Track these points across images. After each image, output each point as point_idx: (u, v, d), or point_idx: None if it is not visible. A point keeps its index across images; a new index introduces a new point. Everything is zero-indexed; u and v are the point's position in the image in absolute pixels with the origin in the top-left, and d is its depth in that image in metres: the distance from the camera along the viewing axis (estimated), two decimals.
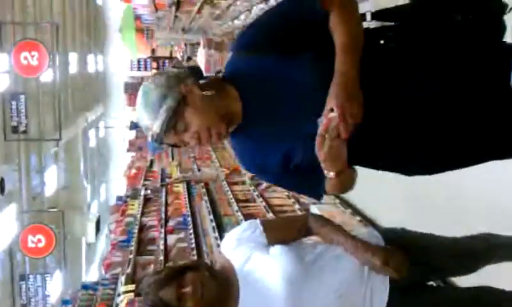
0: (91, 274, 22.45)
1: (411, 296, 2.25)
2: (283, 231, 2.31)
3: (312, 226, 2.33)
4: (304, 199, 7.01)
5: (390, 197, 5.30)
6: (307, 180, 1.95)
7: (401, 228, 2.42)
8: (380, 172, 2.00)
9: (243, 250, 2.23)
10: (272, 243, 2.23)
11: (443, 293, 2.48)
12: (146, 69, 27.33)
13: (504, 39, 1.96)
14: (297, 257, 2.17)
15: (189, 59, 20.16)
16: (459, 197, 4.28)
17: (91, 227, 18.59)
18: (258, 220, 2.32)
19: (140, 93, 1.88)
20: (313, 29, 1.84)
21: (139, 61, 27.63)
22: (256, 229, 2.27)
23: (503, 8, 1.96)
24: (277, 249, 2.19)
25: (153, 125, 1.82)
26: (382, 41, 1.92)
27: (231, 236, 2.32)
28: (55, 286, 14.69)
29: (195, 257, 6.15)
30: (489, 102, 1.84)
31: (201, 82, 1.86)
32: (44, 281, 12.97)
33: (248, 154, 2.03)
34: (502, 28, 1.96)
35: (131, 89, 26.86)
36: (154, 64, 26.97)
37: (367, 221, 6.00)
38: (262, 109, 1.89)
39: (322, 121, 1.67)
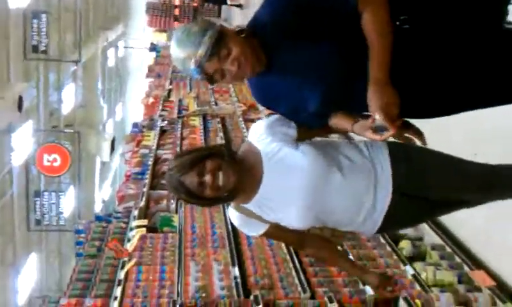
0: (104, 191, 22.92)
1: (410, 198, 2.29)
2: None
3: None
4: None
5: None
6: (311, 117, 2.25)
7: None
8: None
9: (273, 140, 2.25)
10: (301, 138, 2.28)
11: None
12: None
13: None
14: (324, 156, 2.22)
15: None
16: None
17: (106, 146, 18.80)
18: None
19: (177, 33, 2.11)
20: (338, 18, 2.07)
21: None
22: (286, 120, 2.31)
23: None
24: (307, 147, 2.23)
25: (198, 50, 2.03)
26: (397, 23, 2.13)
27: (261, 124, 2.32)
28: (68, 201, 15.06)
29: None
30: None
31: None
32: (58, 198, 13.32)
33: (264, 92, 2.30)
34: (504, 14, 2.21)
35: (153, 9, 26.47)
36: None
37: None
38: (282, 65, 2.14)
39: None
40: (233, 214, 2.36)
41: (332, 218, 2.28)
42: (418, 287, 4.05)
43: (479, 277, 4.18)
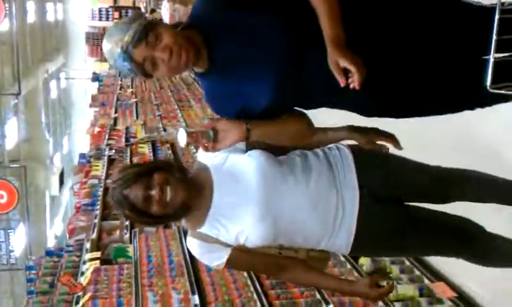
0: (56, 226, 22.36)
1: (382, 204, 2.20)
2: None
3: None
4: None
5: None
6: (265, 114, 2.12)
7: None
8: None
9: (220, 152, 2.16)
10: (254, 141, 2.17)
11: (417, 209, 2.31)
12: (107, 19, 26.58)
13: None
14: (273, 158, 2.15)
15: (152, 10, 19.70)
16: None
17: (54, 180, 18.39)
18: None
19: (109, 26, 2.03)
20: None
21: (100, 10, 26.82)
22: None
23: None
24: (254, 151, 2.15)
25: (125, 35, 1.90)
26: None
27: None
28: (19, 239, 14.59)
29: None
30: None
31: None
32: (7, 235, 12.83)
33: (212, 94, 2.17)
34: None
35: (92, 39, 26.24)
36: (116, 14, 26.24)
37: None
38: (225, 57, 2.00)
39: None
40: (192, 243, 2.20)
41: (298, 230, 2.14)
42: (380, 303, 4.01)
43: (439, 288, 4.21)
